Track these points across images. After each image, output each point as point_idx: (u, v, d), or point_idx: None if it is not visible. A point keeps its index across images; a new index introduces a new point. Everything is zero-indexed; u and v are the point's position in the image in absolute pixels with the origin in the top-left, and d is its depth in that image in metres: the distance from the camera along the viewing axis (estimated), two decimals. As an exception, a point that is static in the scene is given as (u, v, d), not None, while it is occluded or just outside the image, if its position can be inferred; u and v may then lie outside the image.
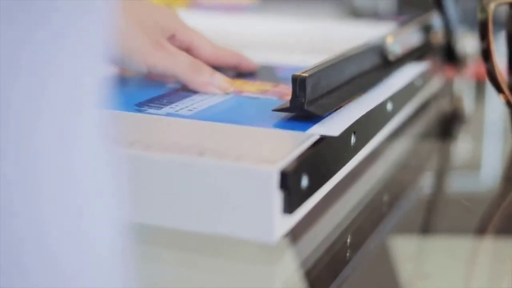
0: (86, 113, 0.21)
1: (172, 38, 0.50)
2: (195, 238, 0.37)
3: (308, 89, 0.41)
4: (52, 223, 0.20)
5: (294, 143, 0.37)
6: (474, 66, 0.71)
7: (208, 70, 0.49)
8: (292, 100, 0.41)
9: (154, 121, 0.42)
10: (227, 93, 0.48)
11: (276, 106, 0.43)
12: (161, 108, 0.44)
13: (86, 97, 0.21)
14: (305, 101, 0.41)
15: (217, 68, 0.50)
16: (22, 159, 0.19)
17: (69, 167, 0.20)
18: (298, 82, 0.41)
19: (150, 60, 0.47)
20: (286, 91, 0.47)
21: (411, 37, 0.59)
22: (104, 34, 0.21)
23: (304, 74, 0.41)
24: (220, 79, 0.48)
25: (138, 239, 0.39)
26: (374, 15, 0.96)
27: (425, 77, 0.60)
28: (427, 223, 0.45)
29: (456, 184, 0.52)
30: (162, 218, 0.36)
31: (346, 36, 0.66)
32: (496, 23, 0.54)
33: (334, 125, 0.41)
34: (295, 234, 0.38)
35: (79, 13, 0.20)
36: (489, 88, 0.52)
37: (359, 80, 0.48)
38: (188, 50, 0.50)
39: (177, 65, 0.48)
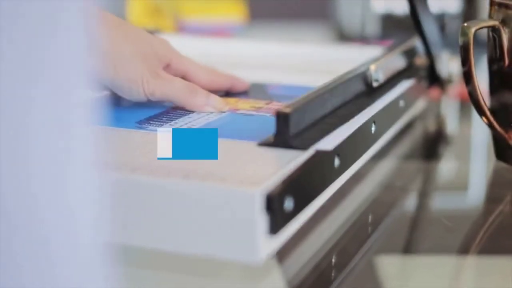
0: (75, 130, 0.22)
1: (167, 67, 0.51)
2: (181, 260, 0.37)
3: (292, 124, 0.41)
4: (46, 226, 0.21)
5: (279, 164, 0.38)
6: (460, 87, 0.72)
7: (203, 92, 0.51)
8: (276, 136, 0.41)
9: (148, 139, 0.43)
10: (222, 111, 0.50)
11: (269, 122, 0.43)
12: (162, 125, 0.46)
13: (75, 112, 0.22)
14: (289, 136, 0.41)
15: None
16: (16, 171, 0.20)
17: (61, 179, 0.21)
18: (282, 118, 0.41)
19: (148, 88, 0.49)
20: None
21: (396, 61, 0.60)
22: (88, 50, 0.22)
23: (287, 111, 0.41)
24: (216, 100, 0.51)
25: (122, 261, 0.39)
26: (361, 39, 0.97)
27: (409, 99, 0.61)
28: (412, 242, 0.45)
29: (441, 204, 0.53)
30: (148, 240, 0.36)
31: (333, 58, 0.67)
32: (482, 45, 0.55)
33: (325, 142, 0.42)
34: (281, 255, 0.39)
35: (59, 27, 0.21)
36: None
37: (344, 109, 0.48)
38: (183, 77, 0.52)
39: (174, 90, 0.50)
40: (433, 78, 0.66)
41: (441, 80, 0.67)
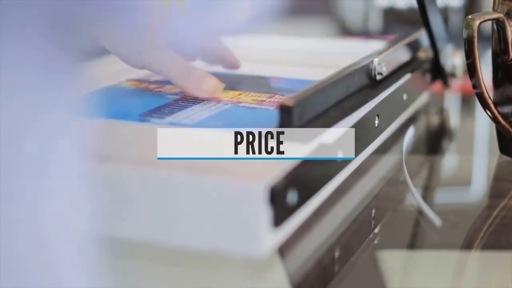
0: (63, 125, 0.22)
1: None
2: (183, 253, 0.37)
3: (295, 117, 0.40)
4: (21, 227, 0.21)
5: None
6: (463, 81, 0.71)
7: (197, 74, 0.51)
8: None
9: (151, 132, 0.43)
10: (225, 104, 0.50)
11: (272, 115, 0.43)
12: (164, 118, 0.46)
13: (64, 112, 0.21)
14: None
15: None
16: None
17: (44, 176, 0.21)
18: (285, 111, 0.40)
19: (147, 60, 0.50)
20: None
21: (399, 55, 0.60)
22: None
23: (290, 104, 0.40)
24: (208, 84, 0.51)
25: (126, 255, 0.39)
26: (364, 33, 0.97)
27: (413, 93, 0.60)
28: (415, 237, 0.45)
29: (444, 198, 0.53)
30: (152, 234, 0.36)
31: (336, 52, 0.67)
32: (485, 38, 0.55)
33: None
34: (283, 249, 0.39)
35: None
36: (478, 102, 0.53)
37: (347, 103, 0.48)
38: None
39: (170, 68, 0.51)
40: (437, 72, 0.66)
41: (445, 74, 0.66)
